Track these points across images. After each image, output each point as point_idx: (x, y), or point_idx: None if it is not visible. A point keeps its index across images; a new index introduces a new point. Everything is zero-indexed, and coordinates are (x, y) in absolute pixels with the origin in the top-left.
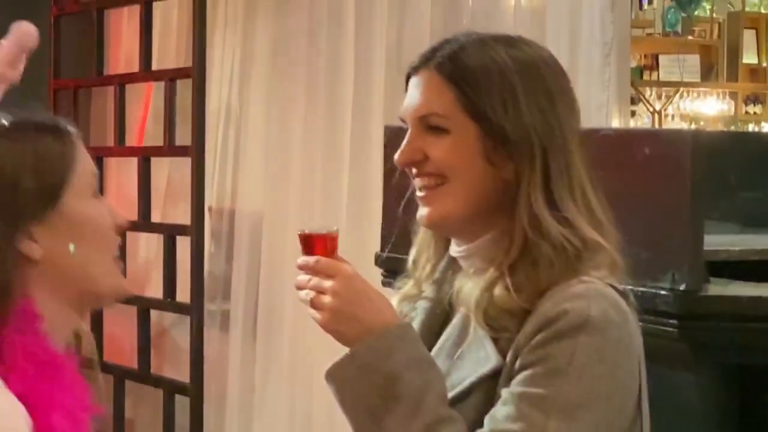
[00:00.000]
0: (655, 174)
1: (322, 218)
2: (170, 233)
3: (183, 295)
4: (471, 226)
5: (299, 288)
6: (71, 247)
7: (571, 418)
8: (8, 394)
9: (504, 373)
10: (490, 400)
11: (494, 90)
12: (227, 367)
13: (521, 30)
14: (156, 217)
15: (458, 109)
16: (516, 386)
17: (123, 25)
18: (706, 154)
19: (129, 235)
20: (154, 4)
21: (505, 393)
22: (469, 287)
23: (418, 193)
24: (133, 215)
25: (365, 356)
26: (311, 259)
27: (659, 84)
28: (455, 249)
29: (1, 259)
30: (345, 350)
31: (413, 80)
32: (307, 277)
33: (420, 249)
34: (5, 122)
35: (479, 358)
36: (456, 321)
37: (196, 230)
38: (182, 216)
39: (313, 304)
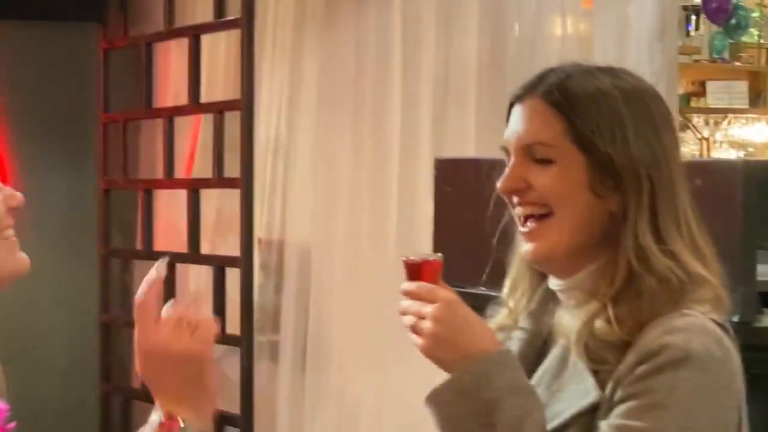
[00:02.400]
0: (707, 205)
1: (370, 250)
2: (220, 265)
3: (233, 326)
4: (574, 258)
5: (402, 314)
6: None
7: None
8: None
9: (603, 406)
10: None
11: (603, 120)
12: (277, 398)
13: (568, 58)
14: (205, 249)
15: (565, 138)
16: (615, 418)
17: (171, 58)
18: (757, 185)
19: (178, 267)
20: (203, 37)
21: (603, 425)
22: (568, 320)
23: (522, 228)
24: (183, 247)
25: (465, 381)
26: (413, 285)
27: (707, 111)
28: (555, 282)
29: None
30: (392, 383)
31: (517, 108)
32: (410, 302)
33: (516, 279)
34: None
35: (579, 390)
36: (555, 353)
37: (245, 262)
38: (231, 247)
39: (414, 329)
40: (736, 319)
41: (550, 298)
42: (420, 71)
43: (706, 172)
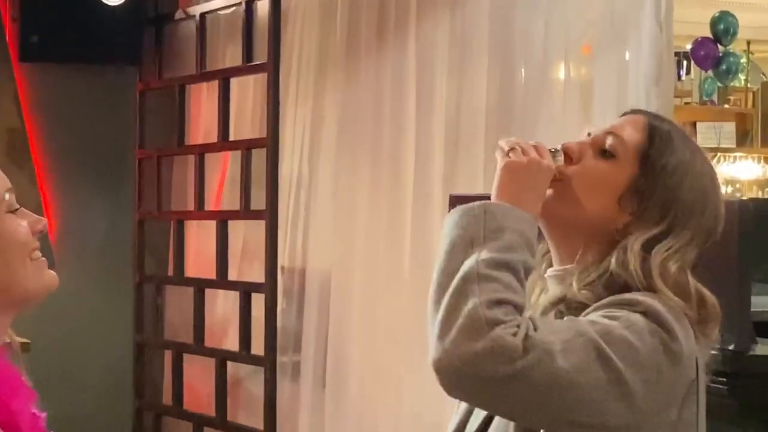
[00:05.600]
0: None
1: (386, 279)
2: (246, 291)
3: (257, 347)
4: (570, 235)
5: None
6: None
7: (609, 343)
8: None
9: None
10: None
11: (677, 156)
12: (298, 415)
13: (570, 101)
14: (233, 276)
15: (636, 149)
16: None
17: (203, 99)
18: (751, 222)
19: (208, 292)
20: (232, 80)
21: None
22: (536, 295)
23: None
24: (212, 274)
25: (495, 209)
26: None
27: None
28: (552, 270)
29: None
30: (408, 401)
31: (626, 117)
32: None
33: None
34: None
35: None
36: None
37: (269, 288)
38: (257, 274)
39: (521, 146)
40: (731, 347)
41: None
42: (433, 113)
43: None
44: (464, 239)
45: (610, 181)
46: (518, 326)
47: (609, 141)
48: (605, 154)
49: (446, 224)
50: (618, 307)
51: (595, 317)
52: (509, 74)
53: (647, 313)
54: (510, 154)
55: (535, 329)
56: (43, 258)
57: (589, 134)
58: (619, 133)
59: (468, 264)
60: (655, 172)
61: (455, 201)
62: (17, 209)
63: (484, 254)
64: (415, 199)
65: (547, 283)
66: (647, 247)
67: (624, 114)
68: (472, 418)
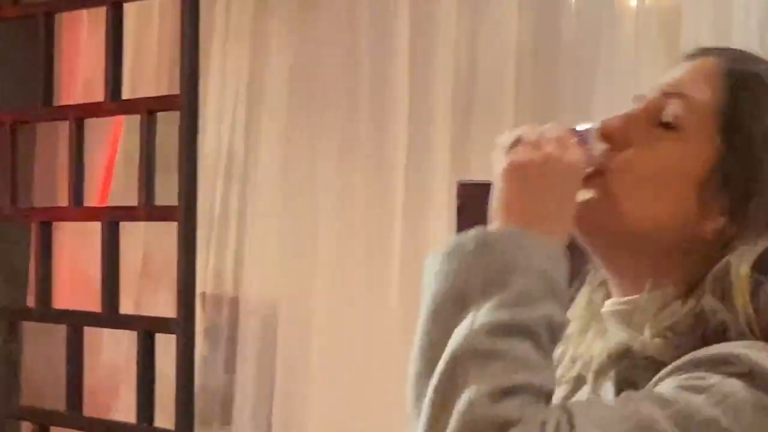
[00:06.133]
0: None
1: (365, 311)
2: (147, 330)
3: (164, 417)
4: (631, 256)
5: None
6: None
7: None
8: None
9: None
10: None
11: (759, 124)
12: None
13: (645, 39)
14: (127, 308)
15: (712, 112)
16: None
17: (82, 38)
18: None
19: (88, 331)
20: (127, 6)
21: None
22: (599, 345)
23: (587, 182)
24: (95, 305)
25: (507, 239)
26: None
27: None
28: (609, 303)
29: None
30: None
31: (690, 61)
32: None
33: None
34: None
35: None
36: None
37: (183, 326)
38: (164, 306)
39: (527, 141)
40: None
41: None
42: (435, 64)
43: None
44: (453, 294)
45: (679, 168)
46: (544, 424)
47: (671, 108)
48: (667, 127)
49: (427, 269)
50: (707, 369)
51: (669, 391)
52: (552, 2)
53: (753, 375)
54: (514, 151)
55: (571, 426)
56: None
57: (638, 99)
58: (686, 92)
59: (460, 333)
60: (750, 146)
61: (465, 191)
62: None
63: (484, 316)
64: (407, 191)
65: (606, 324)
66: (764, 269)
67: (688, 57)
68: None
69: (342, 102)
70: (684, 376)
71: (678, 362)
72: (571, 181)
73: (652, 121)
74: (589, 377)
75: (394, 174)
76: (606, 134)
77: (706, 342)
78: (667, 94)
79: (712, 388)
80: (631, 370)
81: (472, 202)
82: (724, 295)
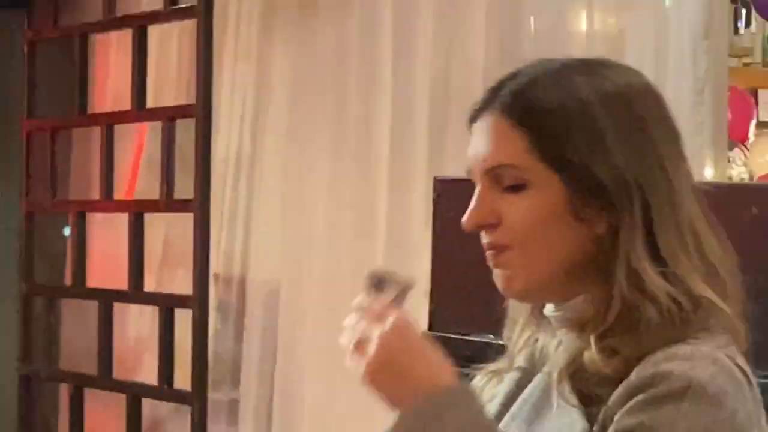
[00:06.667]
0: (764, 234)
1: (353, 290)
2: (167, 305)
3: (182, 380)
4: (561, 288)
5: (345, 327)
6: None
7: None
8: None
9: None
10: None
11: (576, 131)
12: None
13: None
14: (150, 286)
15: (535, 158)
16: None
17: (111, 55)
18: None
19: (117, 307)
20: (150, 28)
21: None
22: (554, 346)
23: (492, 261)
24: (122, 283)
25: (411, 423)
26: (365, 299)
27: (759, 125)
28: (549, 308)
29: None
30: None
31: (477, 126)
32: (356, 318)
33: (512, 319)
34: None
35: (562, 425)
36: (537, 383)
37: (199, 302)
38: (182, 285)
39: (356, 350)
40: None
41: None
42: (415, 72)
43: (764, 198)
44: None
45: (548, 211)
46: None
47: (505, 176)
48: (514, 189)
49: None
50: (652, 405)
51: None
52: (515, 23)
53: (691, 393)
54: (359, 357)
55: None
56: None
57: (469, 173)
58: (504, 161)
59: None
60: (568, 157)
61: (441, 186)
62: None
63: None
64: (391, 187)
65: (559, 333)
66: (652, 239)
67: (473, 120)
68: None
69: (333, 110)
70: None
71: (622, 390)
72: (414, 338)
73: (500, 190)
74: (554, 378)
75: (378, 172)
76: (476, 226)
77: (644, 340)
78: (492, 170)
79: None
80: (587, 383)
81: (446, 195)
82: (639, 286)
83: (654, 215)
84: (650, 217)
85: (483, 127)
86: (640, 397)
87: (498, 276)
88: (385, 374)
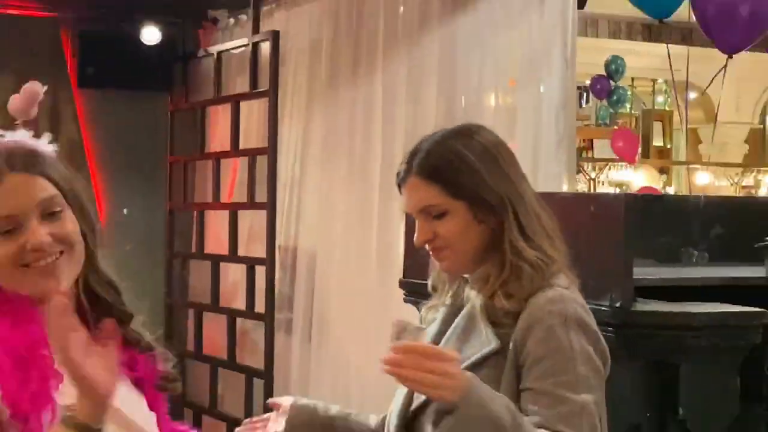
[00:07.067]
0: (598, 225)
1: (357, 258)
2: (251, 264)
3: (260, 307)
4: (474, 264)
5: (394, 364)
6: None
7: (591, 389)
8: None
9: (509, 357)
10: (497, 372)
11: (463, 175)
12: (290, 360)
13: (500, 123)
14: (241, 252)
15: (446, 196)
16: (544, 379)
17: (219, 118)
18: (634, 211)
19: (222, 265)
20: (241, 103)
21: (538, 386)
22: (475, 295)
23: (435, 256)
24: (225, 251)
25: (470, 392)
26: (417, 345)
27: (594, 160)
28: (469, 276)
29: None
30: (373, 350)
31: (405, 186)
32: (405, 357)
33: (437, 278)
34: None
35: (482, 341)
36: (464, 313)
37: (269, 262)
38: (260, 252)
39: (422, 382)
40: (618, 305)
41: (464, 283)
42: (395, 128)
43: (598, 202)
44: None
45: (464, 223)
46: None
47: (431, 209)
48: (439, 216)
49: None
50: (552, 334)
51: (564, 375)
52: (453, 100)
53: (570, 322)
54: (422, 388)
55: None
56: (45, 265)
57: (408, 215)
58: (428, 202)
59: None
60: (465, 191)
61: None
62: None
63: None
64: (380, 198)
65: (468, 291)
66: (521, 227)
67: (402, 180)
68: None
69: (347, 150)
70: (549, 344)
71: (522, 323)
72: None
73: (430, 219)
74: (476, 311)
75: (373, 186)
76: (423, 243)
77: (526, 286)
78: (423, 209)
79: (569, 354)
80: (498, 318)
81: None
82: (518, 253)
83: (519, 214)
84: (518, 216)
85: (409, 187)
86: (538, 329)
87: (439, 264)
88: (456, 392)
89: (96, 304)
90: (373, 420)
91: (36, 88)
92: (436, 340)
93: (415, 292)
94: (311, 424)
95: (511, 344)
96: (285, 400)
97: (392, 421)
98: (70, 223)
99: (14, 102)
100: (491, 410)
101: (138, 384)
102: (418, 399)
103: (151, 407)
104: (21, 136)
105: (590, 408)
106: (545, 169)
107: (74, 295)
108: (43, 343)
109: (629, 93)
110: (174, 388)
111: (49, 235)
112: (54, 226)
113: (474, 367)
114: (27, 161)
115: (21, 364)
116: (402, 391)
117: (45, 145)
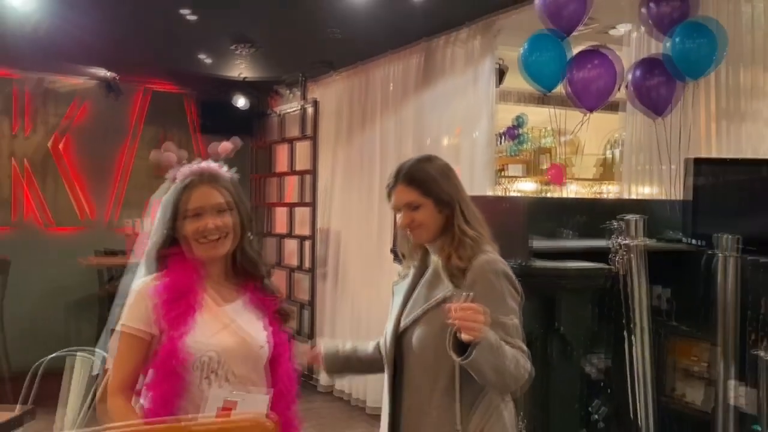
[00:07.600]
0: (510, 216)
1: (366, 237)
2: (301, 239)
3: (307, 265)
4: (435, 237)
5: (461, 310)
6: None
7: (515, 313)
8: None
9: (455, 295)
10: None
11: (430, 184)
12: (325, 298)
13: (450, 154)
14: (295, 232)
15: (420, 195)
16: (493, 312)
17: (282, 152)
18: (532, 207)
19: (284, 240)
20: (295, 143)
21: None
22: (436, 259)
23: (410, 233)
24: (286, 230)
25: (492, 341)
26: (473, 306)
27: (508, 177)
28: (429, 244)
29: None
30: (377, 292)
31: (394, 191)
32: (463, 311)
33: (405, 247)
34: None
35: (443, 286)
36: (430, 270)
37: (313, 238)
38: (306, 231)
39: (469, 325)
40: (522, 263)
41: (427, 251)
42: (388, 165)
43: (509, 201)
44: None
45: (430, 213)
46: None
47: (412, 204)
48: (416, 207)
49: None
50: (490, 284)
51: (502, 314)
52: (422, 142)
53: (501, 274)
54: (467, 329)
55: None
56: (209, 242)
57: (397, 210)
58: (409, 201)
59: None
60: (432, 194)
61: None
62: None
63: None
64: (378, 201)
65: (432, 256)
66: (464, 215)
67: (392, 186)
68: (408, 308)
69: (359, 174)
70: (493, 295)
71: (470, 276)
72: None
73: (410, 210)
74: (439, 269)
75: (374, 194)
76: (405, 226)
77: (468, 251)
78: (407, 204)
79: (504, 306)
80: (453, 271)
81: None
82: (464, 232)
83: (463, 208)
84: (462, 209)
85: (397, 191)
86: (482, 281)
87: (413, 237)
88: (482, 332)
89: (244, 266)
90: (371, 346)
91: (237, 141)
92: (411, 288)
93: (399, 256)
94: (336, 357)
95: (464, 289)
96: (320, 344)
97: (387, 337)
98: (230, 219)
99: (214, 146)
100: (493, 338)
101: (264, 312)
102: (405, 320)
103: (271, 327)
104: (210, 164)
105: (518, 325)
106: (477, 181)
107: (231, 260)
108: (196, 286)
109: (528, 136)
110: (287, 318)
111: (216, 224)
112: (221, 219)
113: (439, 303)
114: (211, 178)
115: (178, 297)
116: (392, 316)
117: (223, 170)
